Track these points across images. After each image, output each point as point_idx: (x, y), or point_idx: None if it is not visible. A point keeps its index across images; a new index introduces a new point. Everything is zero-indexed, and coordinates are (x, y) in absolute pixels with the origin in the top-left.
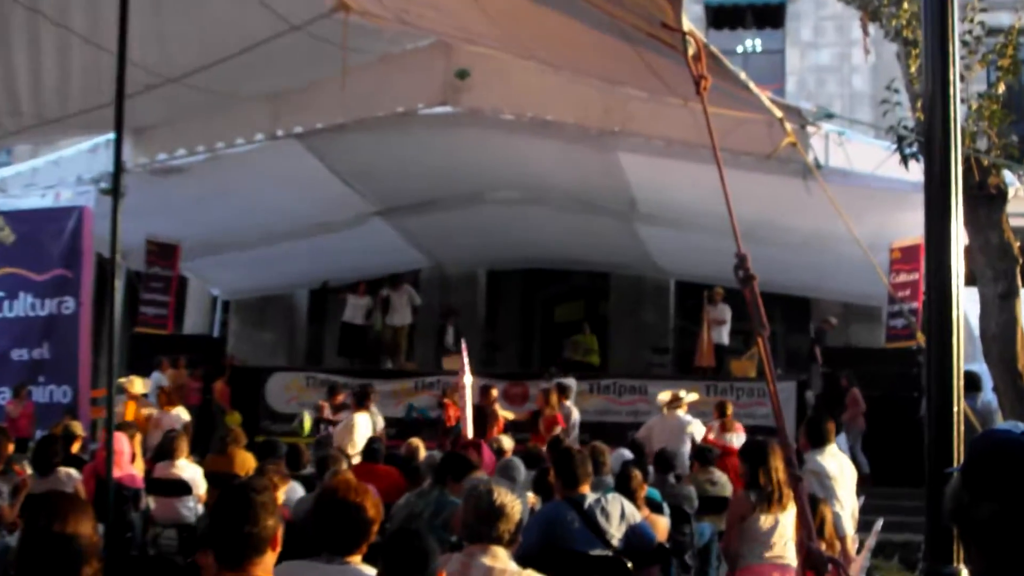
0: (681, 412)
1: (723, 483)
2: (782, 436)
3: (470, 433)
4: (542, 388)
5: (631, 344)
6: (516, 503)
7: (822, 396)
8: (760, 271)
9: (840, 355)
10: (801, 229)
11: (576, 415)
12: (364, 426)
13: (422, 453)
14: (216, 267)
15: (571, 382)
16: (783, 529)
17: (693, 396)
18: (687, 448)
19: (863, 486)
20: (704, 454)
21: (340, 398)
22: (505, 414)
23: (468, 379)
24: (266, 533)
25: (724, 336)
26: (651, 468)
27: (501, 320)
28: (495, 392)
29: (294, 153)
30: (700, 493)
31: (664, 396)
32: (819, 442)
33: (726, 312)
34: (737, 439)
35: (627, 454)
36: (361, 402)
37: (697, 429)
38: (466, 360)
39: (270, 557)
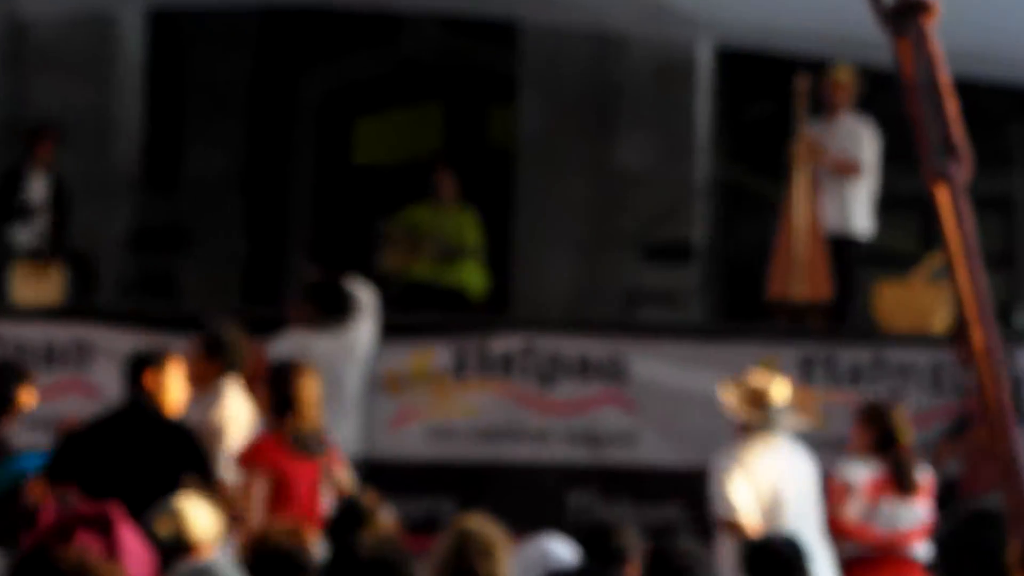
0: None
1: None
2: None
3: None
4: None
5: (589, 234)
6: None
7: None
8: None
9: None
10: None
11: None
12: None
13: None
14: None
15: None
16: None
17: (781, 387)
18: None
19: None
20: None
21: None
22: None
23: None
24: None
25: (854, 208)
26: None
27: (192, 158)
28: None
29: None
30: None
31: (733, 390)
32: None
33: (858, 135)
34: (919, 512)
35: (557, 555)
36: None
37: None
38: None
39: None
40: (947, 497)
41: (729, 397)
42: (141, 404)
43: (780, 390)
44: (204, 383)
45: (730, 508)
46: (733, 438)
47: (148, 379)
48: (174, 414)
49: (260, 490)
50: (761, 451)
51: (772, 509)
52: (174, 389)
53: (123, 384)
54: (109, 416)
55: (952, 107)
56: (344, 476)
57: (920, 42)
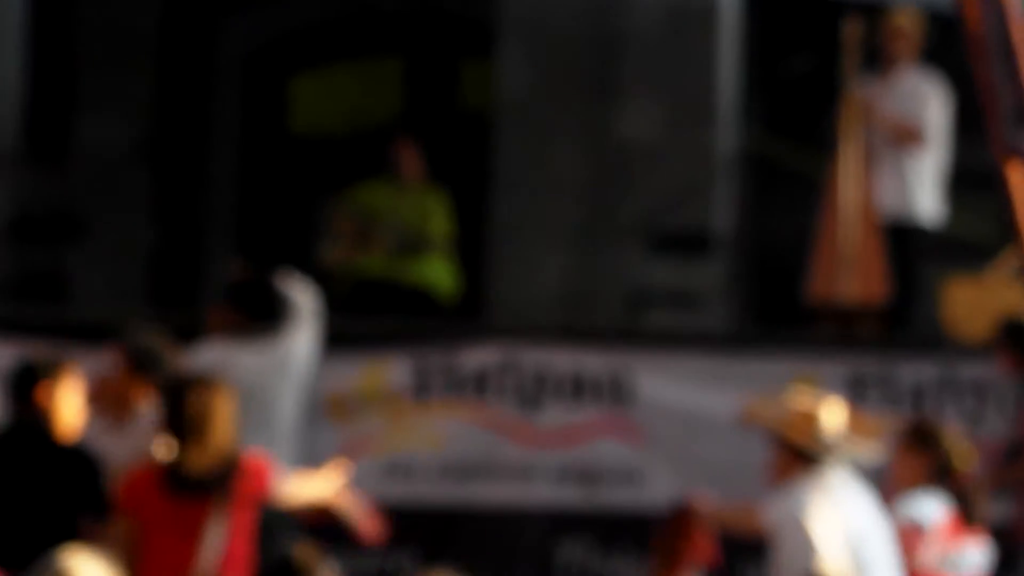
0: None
1: None
2: None
3: None
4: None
5: (584, 221)
6: None
7: None
8: None
9: None
10: None
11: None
12: None
13: None
14: None
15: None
16: None
17: (834, 410)
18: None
19: None
20: None
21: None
22: None
23: None
24: None
25: (917, 187)
26: None
27: (86, 127)
28: None
29: None
30: None
31: (772, 413)
32: None
33: (922, 95)
34: (983, 555)
35: None
36: None
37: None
38: None
39: None
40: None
41: (771, 422)
42: (30, 425)
43: (833, 413)
44: (126, 406)
45: (822, 565)
46: (769, 475)
47: (39, 395)
48: (69, 438)
49: (118, 538)
50: (830, 490)
51: (860, 563)
52: (70, 407)
53: (6, 402)
54: None
55: None
56: (303, 490)
57: None
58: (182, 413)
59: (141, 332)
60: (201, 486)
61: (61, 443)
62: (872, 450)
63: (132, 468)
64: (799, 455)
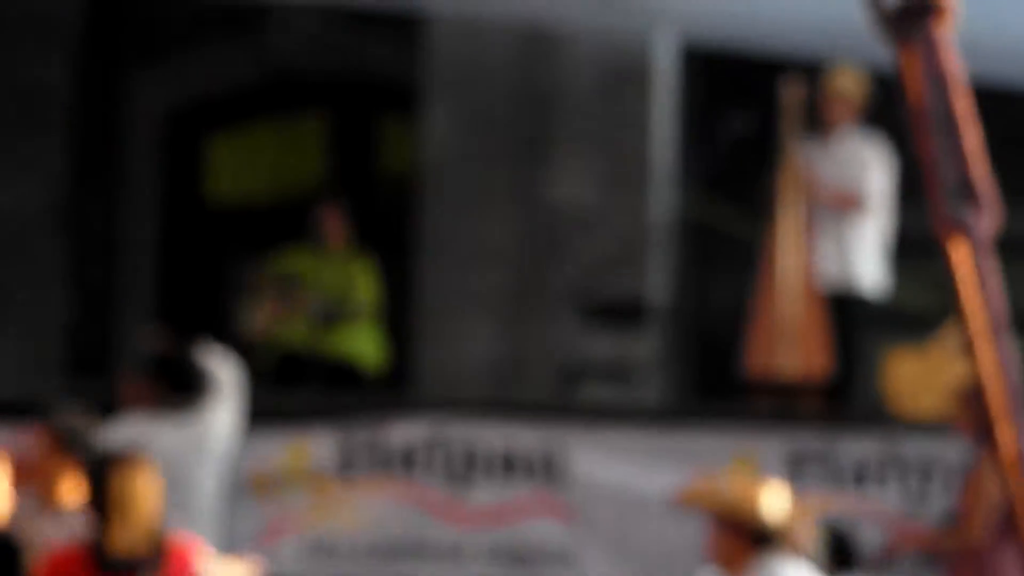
0: None
1: None
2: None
3: None
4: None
5: (514, 289)
6: None
7: None
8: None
9: None
10: None
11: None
12: None
13: None
14: None
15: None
16: None
17: (779, 490)
18: None
19: None
20: None
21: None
22: None
23: None
24: None
25: (859, 255)
26: None
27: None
28: None
29: None
30: None
31: (708, 494)
32: None
33: (863, 159)
34: None
35: None
36: None
37: None
38: None
39: None
40: None
41: (714, 504)
42: None
43: (777, 494)
44: (52, 487)
45: None
46: (716, 560)
47: None
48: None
49: None
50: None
51: None
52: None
53: None
54: None
55: (972, 139)
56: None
57: (930, 54)
58: (105, 491)
59: (65, 410)
60: (128, 567)
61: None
62: (813, 534)
63: (55, 548)
64: (746, 538)
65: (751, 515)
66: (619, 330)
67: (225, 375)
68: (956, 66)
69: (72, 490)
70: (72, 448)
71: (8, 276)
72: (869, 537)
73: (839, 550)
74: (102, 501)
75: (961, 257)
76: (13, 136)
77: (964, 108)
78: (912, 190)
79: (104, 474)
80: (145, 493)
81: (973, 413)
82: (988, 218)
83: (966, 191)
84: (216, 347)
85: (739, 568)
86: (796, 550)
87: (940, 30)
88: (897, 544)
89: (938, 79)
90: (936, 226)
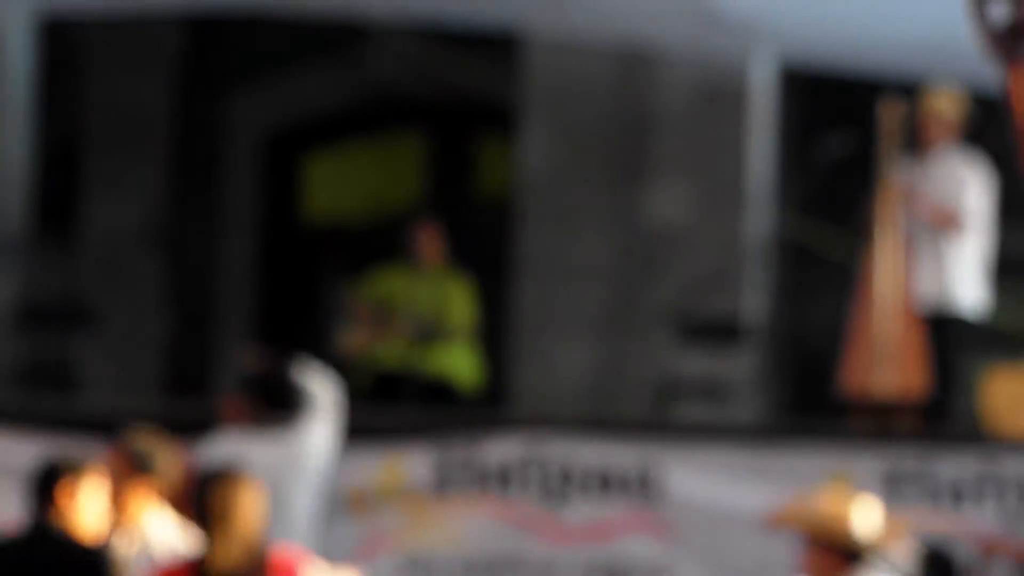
0: None
1: None
2: None
3: None
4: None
5: (610, 308)
6: None
7: None
8: None
9: None
10: None
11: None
12: None
13: None
14: None
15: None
16: None
17: (870, 508)
18: None
19: None
20: None
21: None
22: None
23: None
24: None
25: (958, 274)
26: None
27: (94, 209)
28: None
29: None
30: None
31: (800, 512)
32: None
33: (963, 178)
34: None
35: None
36: None
37: None
38: None
39: None
40: None
41: (804, 523)
42: (51, 528)
43: (869, 512)
44: (124, 509)
45: None
46: None
47: (61, 495)
48: (94, 541)
49: None
50: None
51: None
52: (93, 508)
53: (24, 503)
54: (6, 545)
55: None
56: None
57: None
58: (208, 507)
59: (134, 428)
60: None
61: (84, 547)
62: (906, 557)
63: (161, 565)
64: (839, 556)
65: (844, 533)
66: (715, 349)
67: (322, 393)
68: None
69: (142, 510)
70: (143, 470)
71: (109, 295)
72: (966, 556)
73: (936, 569)
74: (205, 517)
75: None
76: (115, 158)
77: None
78: (1012, 210)
79: (207, 490)
80: (248, 509)
81: None
82: None
83: None
84: (313, 365)
85: None
86: (891, 568)
87: None
88: (994, 550)
89: None
90: None
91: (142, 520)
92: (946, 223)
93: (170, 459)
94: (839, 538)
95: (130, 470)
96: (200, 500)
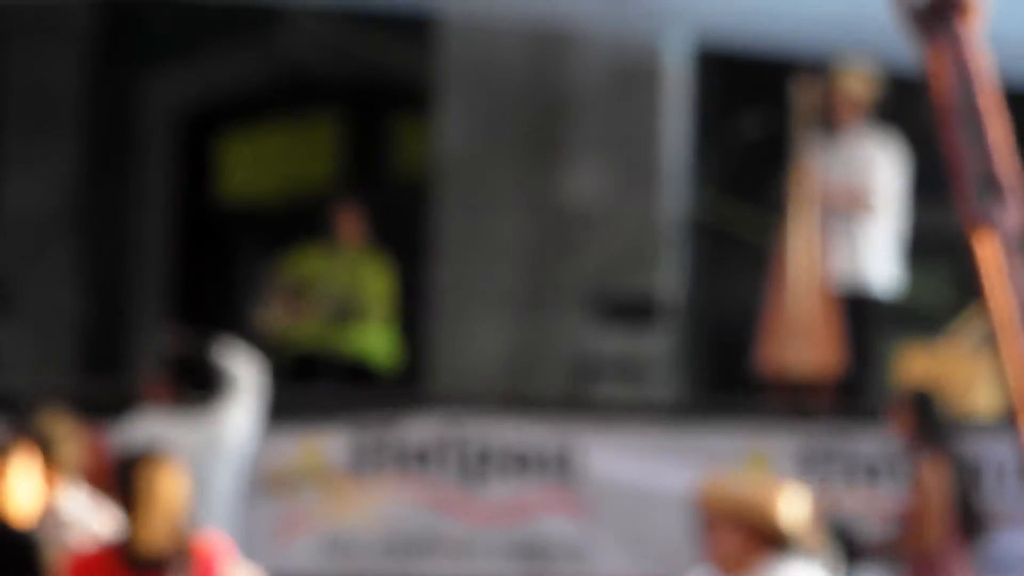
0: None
1: None
2: None
3: None
4: None
5: (526, 287)
6: None
7: None
8: None
9: None
10: None
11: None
12: None
13: None
14: None
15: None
16: None
17: (798, 492)
18: None
19: None
20: None
21: None
22: None
23: None
24: None
25: (871, 253)
26: None
27: (9, 190)
28: None
29: None
30: None
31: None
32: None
33: (875, 158)
34: None
35: None
36: None
37: None
38: None
39: None
40: None
41: (731, 504)
42: None
43: (796, 496)
44: (35, 492)
45: None
46: (722, 563)
47: None
48: (21, 522)
49: None
50: None
51: None
52: (20, 489)
53: None
54: None
55: (999, 133)
56: None
57: (957, 50)
58: (131, 489)
59: (46, 413)
60: (155, 565)
61: (12, 527)
62: (822, 532)
63: (82, 548)
64: (759, 541)
65: (769, 519)
66: (632, 328)
67: (243, 374)
68: (983, 62)
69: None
70: (48, 450)
71: (22, 275)
72: (880, 533)
73: (843, 546)
74: (128, 499)
75: (987, 251)
76: (26, 137)
77: (991, 103)
78: (924, 188)
79: (129, 471)
80: (171, 490)
81: (911, 416)
82: (1014, 212)
83: (992, 185)
84: (236, 345)
85: (742, 570)
86: (805, 550)
87: (967, 26)
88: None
89: (965, 75)
90: (963, 220)
91: (54, 502)
92: (856, 203)
93: (76, 441)
94: (765, 523)
95: (36, 452)
96: (123, 482)
